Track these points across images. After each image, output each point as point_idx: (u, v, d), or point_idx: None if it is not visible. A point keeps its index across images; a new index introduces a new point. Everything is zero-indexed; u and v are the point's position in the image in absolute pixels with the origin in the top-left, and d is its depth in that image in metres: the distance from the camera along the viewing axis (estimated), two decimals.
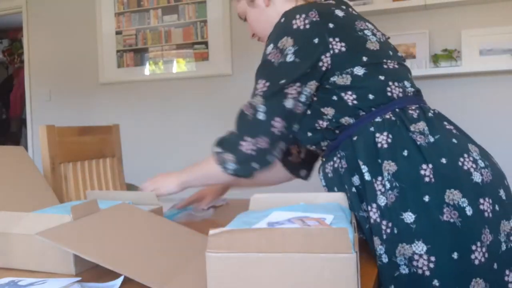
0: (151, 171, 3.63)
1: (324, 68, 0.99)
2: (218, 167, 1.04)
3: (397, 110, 0.98)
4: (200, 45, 3.26)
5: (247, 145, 1.00)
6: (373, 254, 0.94)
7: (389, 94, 0.99)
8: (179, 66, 3.34)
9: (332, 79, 0.99)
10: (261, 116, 1.00)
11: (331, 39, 0.99)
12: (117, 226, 0.89)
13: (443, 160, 0.91)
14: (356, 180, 0.97)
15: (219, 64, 3.21)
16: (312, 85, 1.00)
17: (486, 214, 0.88)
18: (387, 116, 0.97)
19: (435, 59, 2.64)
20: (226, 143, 1.05)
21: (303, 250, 0.61)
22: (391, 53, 1.05)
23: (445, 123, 1.00)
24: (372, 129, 0.96)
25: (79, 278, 0.77)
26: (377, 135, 0.95)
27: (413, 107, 0.99)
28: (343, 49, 0.99)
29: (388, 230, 0.90)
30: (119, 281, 0.74)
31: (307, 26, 0.99)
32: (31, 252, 0.85)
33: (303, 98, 1.01)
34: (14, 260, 0.86)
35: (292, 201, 0.94)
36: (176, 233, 0.96)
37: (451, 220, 0.86)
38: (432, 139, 0.93)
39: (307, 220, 0.77)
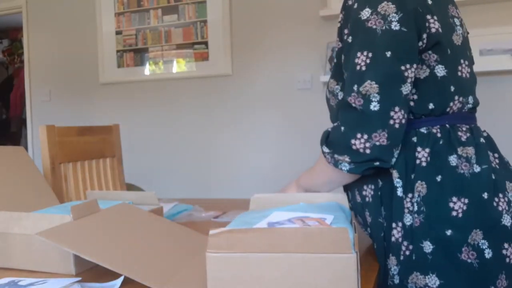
0: (151, 171, 3.64)
1: (420, 48, 0.87)
2: (334, 168, 0.90)
3: (447, 125, 0.90)
4: (200, 45, 3.26)
5: (359, 144, 0.84)
6: (377, 260, 0.93)
7: (447, 109, 0.90)
8: (179, 66, 3.34)
9: None
10: (375, 106, 0.83)
11: (428, 16, 0.87)
12: (117, 226, 0.89)
13: (485, 196, 0.84)
14: (381, 183, 0.92)
15: (219, 64, 3.21)
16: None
17: (507, 259, 0.84)
18: (434, 131, 0.89)
19: None
20: (336, 142, 0.88)
21: (303, 250, 0.61)
22: (468, 53, 0.97)
23: (489, 152, 0.91)
24: (414, 139, 0.89)
25: (79, 278, 0.77)
26: (419, 149, 0.88)
27: (464, 128, 0.91)
28: (440, 30, 0.87)
29: (407, 253, 0.86)
30: (119, 281, 0.74)
31: None
32: (31, 252, 0.85)
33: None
34: (14, 260, 0.86)
35: (292, 201, 0.94)
36: (176, 233, 0.96)
37: (469, 260, 0.82)
38: (478, 169, 0.86)
39: (307, 220, 0.77)
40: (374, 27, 0.85)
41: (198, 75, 3.28)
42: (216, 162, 3.26)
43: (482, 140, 0.91)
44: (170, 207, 1.34)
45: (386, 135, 0.83)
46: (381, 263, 0.92)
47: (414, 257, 0.85)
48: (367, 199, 0.95)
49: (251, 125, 3.16)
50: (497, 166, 0.90)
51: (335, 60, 1.00)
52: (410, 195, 0.87)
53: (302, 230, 0.64)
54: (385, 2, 0.85)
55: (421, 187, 0.86)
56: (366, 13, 0.86)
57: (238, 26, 3.16)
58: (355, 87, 0.85)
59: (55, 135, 1.61)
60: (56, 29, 3.72)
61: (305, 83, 2.99)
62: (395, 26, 0.84)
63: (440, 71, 0.89)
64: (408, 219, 0.87)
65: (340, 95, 0.97)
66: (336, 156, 0.88)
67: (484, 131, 0.96)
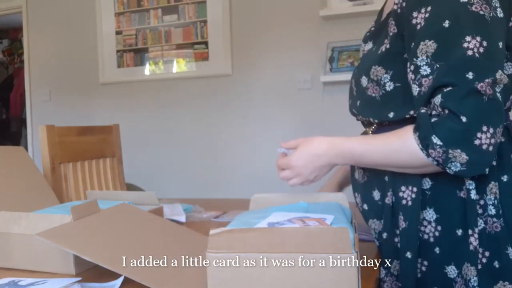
0: (151, 171, 3.64)
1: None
2: (417, 155, 0.76)
3: (504, 123, 0.82)
4: (200, 45, 3.26)
5: (485, 138, 0.72)
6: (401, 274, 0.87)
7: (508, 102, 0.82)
8: (179, 66, 3.34)
9: None
10: (500, 95, 0.73)
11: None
12: (117, 226, 0.89)
13: None
14: (429, 183, 0.84)
15: (219, 64, 3.21)
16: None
17: None
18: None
19: None
20: (450, 135, 0.73)
21: (303, 250, 0.61)
22: None
23: None
24: None
25: (79, 278, 0.77)
26: None
27: None
28: None
29: (484, 260, 0.80)
30: (119, 281, 0.74)
31: None
32: (31, 252, 0.85)
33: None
34: (14, 260, 0.86)
35: (292, 200, 0.94)
36: (176, 233, 0.96)
37: None
38: None
39: (307, 220, 0.77)
40: (482, 12, 0.75)
41: (198, 75, 3.28)
42: (216, 162, 3.26)
43: None
44: (170, 208, 1.34)
45: (501, 132, 0.74)
46: (408, 276, 0.86)
47: (497, 265, 0.79)
48: (404, 201, 0.86)
49: (251, 125, 3.15)
50: None
51: (387, 46, 0.87)
52: (479, 196, 0.81)
53: (302, 230, 0.64)
54: None
55: (495, 188, 0.79)
56: None
57: (238, 26, 3.16)
58: (480, 73, 0.73)
59: (55, 135, 1.61)
60: (56, 29, 3.72)
61: (305, 83, 2.99)
62: (499, 13, 0.76)
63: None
64: (479, 223, 0.80)
65: (390, 85, 0.86)
66: (451, 152, 0.73)
67: None
